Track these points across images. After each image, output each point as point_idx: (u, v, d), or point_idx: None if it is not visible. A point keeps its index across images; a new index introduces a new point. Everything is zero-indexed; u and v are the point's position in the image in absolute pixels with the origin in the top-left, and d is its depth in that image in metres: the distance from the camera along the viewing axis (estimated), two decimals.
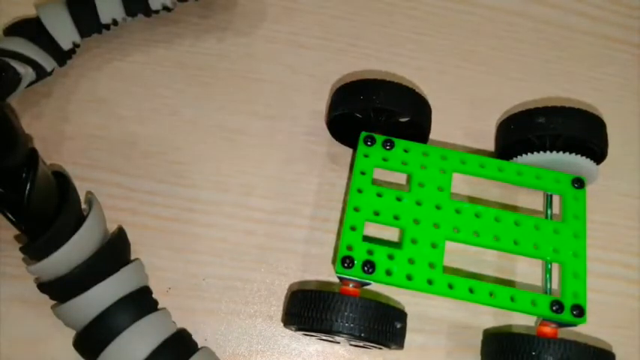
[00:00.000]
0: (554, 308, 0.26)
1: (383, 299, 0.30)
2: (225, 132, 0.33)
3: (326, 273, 0.31)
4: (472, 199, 0.33)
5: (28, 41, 0.31)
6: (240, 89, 0.34)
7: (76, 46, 0.32)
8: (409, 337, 0.28)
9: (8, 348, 0.28)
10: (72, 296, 0.26)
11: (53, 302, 0.27)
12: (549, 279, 0.29)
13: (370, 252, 0.27)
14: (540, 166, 0.29)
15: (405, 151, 0.29)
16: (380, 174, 0.30)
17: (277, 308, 0.30)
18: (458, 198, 0.31)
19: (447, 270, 0.28)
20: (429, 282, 0.26)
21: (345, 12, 0.37)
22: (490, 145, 0.34)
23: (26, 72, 0.29)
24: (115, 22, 0.33)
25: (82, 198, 0.29)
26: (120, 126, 0.32)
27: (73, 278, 0.26)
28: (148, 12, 0.33)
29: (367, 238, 0.27)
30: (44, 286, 0.26)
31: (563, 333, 0.27)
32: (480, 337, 0.30)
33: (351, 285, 0.27)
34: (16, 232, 0.27)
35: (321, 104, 0.34)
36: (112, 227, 0.29)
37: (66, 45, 0.32)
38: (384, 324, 0.26)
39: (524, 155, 0.31)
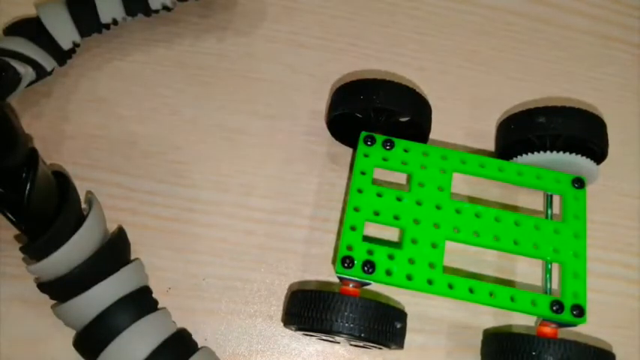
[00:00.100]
0: (554, 308, 0.26)
1: (383, 299, 0.30)
2: (225, 132, 0.33)
3: (326, 273, 0.31)
4: (472, 199, 0.33)
5: (28, 41, 0.31)
6: (240, 89, 0.34)
7: (76, 45, 0.32)
8: (409, 337, 0.28)
9: (8, 348, 0.28)
10: (72, 296, 0.25)
11: (53, 302, 0.27)
12: (549, 279, 0.29)
13: (370, 252, 0.27)
14: (540, 166, 0.29)
15: (405, 151, 0.29)
16: (380, 174, 0.30)
17: (277, 308, 0.30)
18: (458, 198, 0.31)
19: (447, 270, 0.28)
20: (429, 282, 0.26)
21: (345, 12, 0.37)
22: (490, 145, 0.34)
23: (26, 72, 0.29)
24: (115, 22, 0.33)
25: (82, 198, 0.29)
26: (120, 126, 0.32)
27: (73, 278, 0.26)
28: (148, 12, 0.33)
29: (367, 238, 0.27)
30: (44, 286, 0.26)
31: (563, 333, 0.27)
32: (480, 337, 0.30)
33: (351, 285, 0.27)
34: (16, 232, 0.27)
35: (321, 104, 0.34)
36: (112, 227, 0.29)
37: (66, 45, 0.32)
38: (384, 324, 0.26)
39: (524, 155, 0.31)
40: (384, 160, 0.29)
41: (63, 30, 0.31)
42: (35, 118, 0.32)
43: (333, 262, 0.31)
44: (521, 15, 0.38)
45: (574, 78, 0.37)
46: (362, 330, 0.25)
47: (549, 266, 0.29)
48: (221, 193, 0.32)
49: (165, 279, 0.30)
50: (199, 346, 0.28)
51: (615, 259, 0.33)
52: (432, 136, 0.32)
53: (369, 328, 0.25)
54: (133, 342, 0.25)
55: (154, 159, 0.32)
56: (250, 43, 0.35)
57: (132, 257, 0.29)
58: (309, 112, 0.34)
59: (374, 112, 0.30)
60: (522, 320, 0.30)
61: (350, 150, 0.33)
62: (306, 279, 0.31)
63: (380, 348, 0.28)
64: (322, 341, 0.29)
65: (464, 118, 0.35)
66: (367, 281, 0.27)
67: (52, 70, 0.32)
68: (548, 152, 0.30)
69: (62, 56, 0.32)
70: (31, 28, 0.31)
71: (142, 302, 0.27)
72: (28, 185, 0.24)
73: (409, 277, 0.26)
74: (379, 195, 0.28)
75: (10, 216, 0.25)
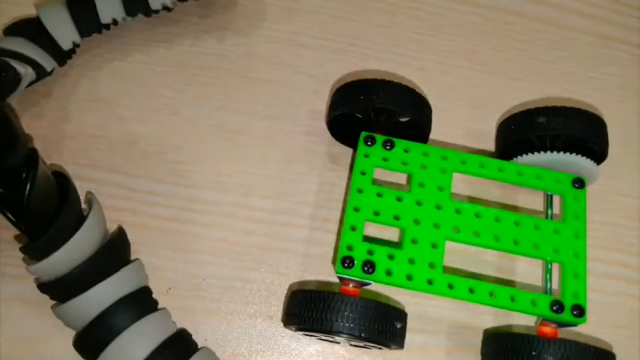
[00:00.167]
0: (554, 308, 0.26)
1: (383, 299, 0.30)
2: (225, 132, 0.33)
3: (326, 273, 0.31)
4: (472, 199, 0.33)
5: (28, 41, 0.31)
6: (240, 89, 0.34)
7: (76, 45, 0.32)
8: (409, 337, 0.28)
9: (8, 348, 0.28)
10: (72, 296, 0.25)
11: (53, 302, 0.27)
12: (549, 279, 0.29)
13: (370, 252, 0.27)
14: (540, 166, 0.29)
15: (405, 151, 0.29)
16: (380, 174, 0.30)
17: (277, 308, 0.30)
18: (458, 198, 0.31)
19: (447, 270, 0.28)
20: (429, 282, 0.26)
21: (345, 12, 0.37)
22: (490, 145, 0.34)
23: (26, 72, 0.29)
24: (115, 22, 0.33)
25: (82, 198, 0.29)
26: (120, 126, 0.32)
27: (73, 278, 0.26)
28: (148, 12, 0.33)
29: (367, 238, 0.27)
30: (44, 286, 0.26)
31: (563, 333, 0.27)
32: (480, 337, 0.30)
33: (351, 285, 0.27)
34: (16, 232, 0.27)
35: (321, 104, 0.34)
36: (112, 227, 0.29)
37: (66, 45, 0.32)
38: (384, 324, 0.26)
39: (524, 155, 0.31)
40: (384, 160, 0.29)
41: (63, 30, 0.31)
42: (35, 118, 0.32)
43: (333, 262, 0.31)
44: (521, 15, 0.38)
45: (574, 78, 0.37)
46: (362, 330, 0.25)
47: (549, 266, 0.29)
48: (221, 193, 0.32)
49: (165, 279, 0.30)
50: (199, 346, 0.28)
51: (615, 259, 0.33)
52: (432, 136, 0.32)
53: (369, 328, 0.25)
54: (133, 342, 0.25)
55: (154, 159, 0.32)
56: (250, 43, 0.35)
57: (132, 257, 0.29)
58: (309, 112, 0.34)
59: (374, 112, 0.30)
60: (522, 320, 0.30)
61: (350, 150, 0.33)
62: (306, 279, 0.31)
63: (380, 348, 0.28)
64: (322, 341, 0.29)
65: (464, 118, 0.35)
66: (367, 281, 0.27)
67: (52, 70, 0.32)
68: (548, 152, 0.30)
69: (62, 56, 0.32)
70: (31, 28, 0.31)
71: (142, 302, 0.27)
72: (28, 185, 0.24)
73: (409, 277, 0.26)
74: (379, 195, 0.28)
75: (10, 216, 0.25)
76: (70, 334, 0.27)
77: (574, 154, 0.30)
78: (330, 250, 0.31)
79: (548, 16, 0.39)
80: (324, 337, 0.28)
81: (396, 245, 0.29)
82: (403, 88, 0.30)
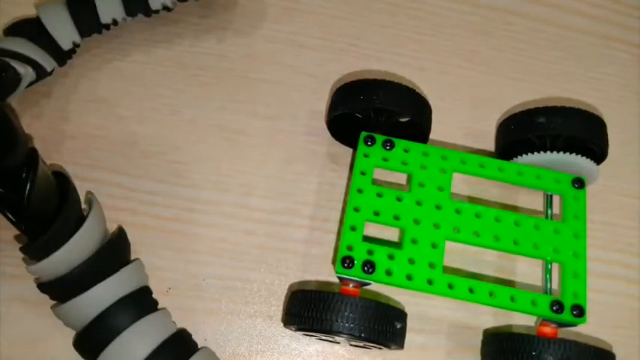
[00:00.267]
0: (554, 308, 0.26)
1: (383, 299, 0.30)
2: (225, 132, 0.33)
3: (326, 273, 0.31)
4: (472, 199, 0.33)
5: (28, 41, 0.31)
6: (240, 89, 0.34)
7: (76, 46, 0.32)
8: (409, 337, 0.28)
9: (8, 348, 0.28)
10: (72, 296, 0.25)
11: (53, 302, 0.27)
12: (549, 279, 0.29)
13: (370, 252, 0.27)
14: (540, 166, 0.29)
15: (405, 151, 0.29)
16: (380, 174, 0.30)
17: (277, 308, 0.30)
18: (458, 198, 0.31)
19: (447, 270, 0.28)
20: (429, 282, 0.26)
21: (345, 12, 0.37)
22: (490, 145, 0.34)
23: (26, 72, 0.29)
24: (115, 22, 0.33)
25: (82, 198, 0.29)
26: (120, 126, 0.32)
27: (73, 278, 0.26)
28: (148, 12, 0.33)
29: (367, 238, 0.27)
30: (44, 286, 0.26)
31: (563, 333, 0.27)
32: (480, 337, 0.30)
33: (351, 285, 0.27)
34: (16, 232, 0.27)
35: (321, 104, 0.34)
36: (112, 227, 0.29)
37: (66, 45, 0.32)
38: (384, 324, 0.26)
39: (524, 155, 0.31)
40: (384, 160, 0.29)
41: (63, 30, 0.31)
42: (35, 118, 0.32)
43: (333, 262, 0.31)
44: (521, 15, 0.38)
45: (574, 78, 0.37)
46: (362, 330, 0.25)
47: (549, 266, 0.29)
48: (221, 193, 0.32)
49: (165, 279, 0.30)
50: (199, 346, 0.28)
51: (615, 259, 0.33)
52: (432, 136, 0.32)
53: (369, 328, 0.25)
54: (133, 342, 0.25)
55: (154, 159, 0.32)
56: (250, 44, 0.35)
57: (132, 257, 0.29)
58: (309, 112, 0.34)
59: (374, 112, 0.30)
60: (522, 320, 0.30)
61: (350, 150, 0.33)
62: (306, 279, 0.31)
63: (380, 348, 0.28)
64: (322, 341, 0.29)
65: (464, 118, 0.35)
66: (367, 281, 0.27)
67: (52, 71, 0.32)
68: (548, 152, 0.30)
69: (62, 56, 0.32)
70: (31, 29, 0.31)
71: (142, 302, 0.27)
72: (28, 185, 0.24)
73: (409, 277, 0.26)
74: (379, 195, 0.28)
75: (10, 216, 0.25)
76: (70, 334, 0.27)
77: (574, 154, 0.30)
78: (330, 250, 0.31)
79: (548, 16, 0.39)
80: (324, 337, 0.28)
81: (396, 245, 0.29)
82: (403, 88, 0.30)
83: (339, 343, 0.29)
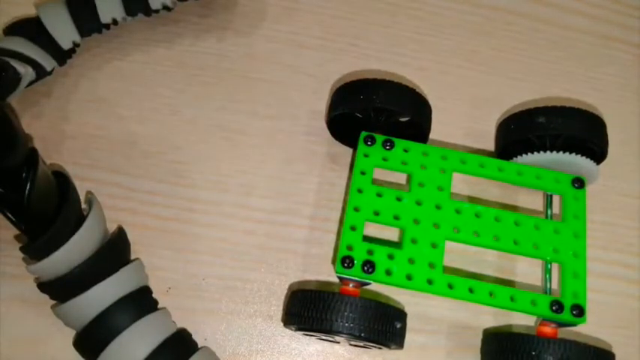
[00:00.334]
0: (554, 308, 0.26)
1: (383, 299, 0.30)
2: (225, 132, 0.33)
3: (326, 273, 0.31)
4: (472, 199, 0.33)
5: (28, 41, 0.31)
6: (240, 89, 0.34)
7: (76, 45, 0.32)
8: (409, 337, 0.28)
9: (8, 348, 0.28)
10: (72, 296, 0.25)
11: (53, 302, 0.27)
12: (549, 279, 0.29)
13: (370, 252, 0.27)
14: (540, 166, 0.29)
15: (405, 150, 0.29)
16: (380, 174, 0.30)
17: (277, 308, 0.30)
18: (458, 198, 0.31)
19: (447, 270, 0.28)
20: (429, 282, 0.26)
21: (345, 12, 0.37)
22: (490, 145, 0.34)
23: (26, 71, 0.29)
24: (115, 22, 0.33)
25: (82, 198, 0.29)
26: (120, 126, 0.32)
27: (73, 278, 0.26)
28: (148, 11, 0.33)
29: (367, 238, 0.27)
30: (44, 286, 0.26)
31: (563, 333, 0.27)
32: (480, 337, 0.30)
33: (351, 285, 0.27)
34: (16, 232, 0.27)
35: (321, 104, 0.34)
36: (112, 227, 0.29)
37: (66, 44, 0.32)
38: (384, 324, 0.26)
39: (524, 155, 0.31)
40: (384, 160, 0.29)
41: (63, 30, 0.31)
42: (35, 118, 0.32)
43: (333, 262, 0.31)
44: (521, 15, 0.38)
45: (574, 78, 0.37)
46: (362, 330, 0.25)
47: (549, 266, 0.29)
48: (221, 193, 0.32)
49: (165, 279, 0.30)
50: (199, 346, 0.28)
51: (615, 259, 0.33)
52: (432, 136, 0.32)
53: (369, 328, 0.25)
54: (133, 342, 0.25)
55: (154, 159, 0.32)
56: (250, 43, 0.35)
57: (132, 257, 0.29)
58: (309, 112, 0.34)
59: (374, 112, 0.30)
60: (522, 320, 0.30)
61: (350, 150, 0.33)
62: (306, 279, 0.31)
63: (380, 348, 0.28)
64: (322, 341, 0.29)
65: (464, 118, 0.35)
66: (367, 281, 0.27)
67: (52, 70, 0.32)
68: (548, 152, 0.30)
69: (62, 56, 0.32)
70: (31, 28, 0.31)
71: (141, 302, 0.27)
72: (28, 185, 0.24)
73: (409, 277, 0.26)
74: (379, 195, 0.28)
75: (10, 216, 0.25)
76: (70, 334, 0.27)
77: (574, 154, 0.30)
78: (330, 250, 0.31)
79: (548, 16, 0.39)
80: (324, 337, 0.28)
81: (396, 245, 0.29)
82: (403, 88, 0.30)
83: (339, 343, 0.29)
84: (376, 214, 0.28)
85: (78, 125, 0.32)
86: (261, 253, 0.31)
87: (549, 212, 0.30)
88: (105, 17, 0.32)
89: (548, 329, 0.27)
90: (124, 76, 0.34)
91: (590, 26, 0.39)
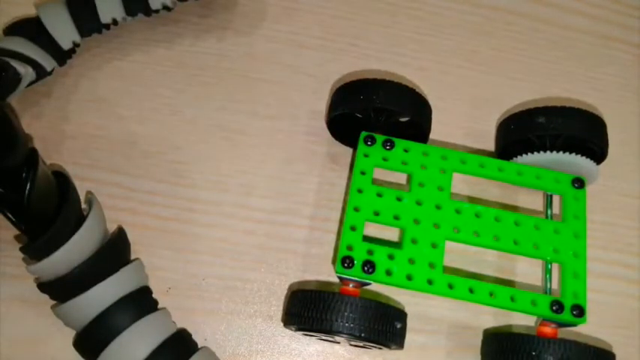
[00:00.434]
0: (554, 308, 0.26)
1: (383, 299, 0.30)
2: (225, 132, 0.33)
3: (326, 273, 0.31)
4: (472, 199, 0.33)
5: (28, 41, 0.31)
6: (240, 89, 0.34)
7: (76, 45, 0.32)
8: (409, 337, 0.28)
9: (8, 348, 0.28)
10: (72, 296, 0.25)
11: (53, 302, 0.27)
12: (549, 279, 0.29)
13: (370, 252, 0.27)
14: (540, 166, 0.29)
15: (405, 150, 0.29)
16: (380, 174, 0.30)
17: (277, 308, 0.30)
18: (458, 198, 0.31)
19: (447, 270, 0.28)
20: (429, 282, 0.26)
21: (345, 12, 0.37)
22: (490, 145, 0.34)
23: (26, 72, 0.29)
24: (115, 22, 0.33)
25: (82, 198, 0.29)
26: (120, 126, 0.32)
27: (73, 278, 0.26)
28: (148, 12, 0.33)
29: (367, 238, 0.27)
30: (44, 286, 0.26)
31: (563, 333, 0.27)
32: (480, 337, 0.30)
33: (351, 285, 0.27)
34: (16, 232, 0.27)
35: (321, 104, 0.34)
36: (112, 227, 0.29)
37: (66, 45, 0.32)
38: (384, 324, 0.26)
39: (524, 155, 0.31)
40: (384, 160, 0.29)
41: (63, 30, 0.31)
42: (35, 118, 0.32)
43: (333, 262, 0.31)
44: (521, 15, 0.38)
45: (574, 78, 0.37)
46: (362, 330, 0.25)
47: (549, 266, 0.29)
48: (221, 193, 0.32)
49: (165, 279, 0.30)
50: (199, 346, 0.28)
51: (615, 259, 0.33)
52: (432, 136, 0.32)
53: (369, 328, 0.25)
54: (133, 342, 0.25)
55: (154, 159, 0.32)
56: (250, 43, 0.35)
57: (132, 257, 0.29)
58: (309, 112, 0.34)
59: (374, 112, 0.30)
60: (522, 320, 0.30)
61: (350, 150, 0.33)
62: (306, 279, 0.31)
63: (380, 348, 0.28)
64: (322, 341, 0.29)
65: (464, 118, 0.35)
66: (367, 281, 0.27)
67: (52, 70, 0.32)
68: (548, 152, 0.30)
69: (62, 56, 0.32)
70: (31, 28, 0.31)
71: (141, 302, 0.27)
72: (28, 185, 0.24)
73: (409, 277, 0.26)
74: (379, 195, 0.28)
75: (10, 216, 0.25)
76: (70, 334, 0.27)
77: (574, 154, 0.30)
78: (330, 250, 0.31)
79: (548, 16, 0.39)
80: (324, 337, 0.28)
81: (396, 245, 0.29)
82: (403, 88, 0.30)
83: (339, 343, 0.29)
84: (376, 214, 0.28)
85: (78, 125, 0.32)
86: (261, 253, 0.31)
87: (549, 212, 0.30)
88: (105, 17, 0.32)
89: (548, 329, 0.27)
90: (124, 76, 0.34)
91: (590, 26, 0.39)
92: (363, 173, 0.28)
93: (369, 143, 0.29)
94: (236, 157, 0.33)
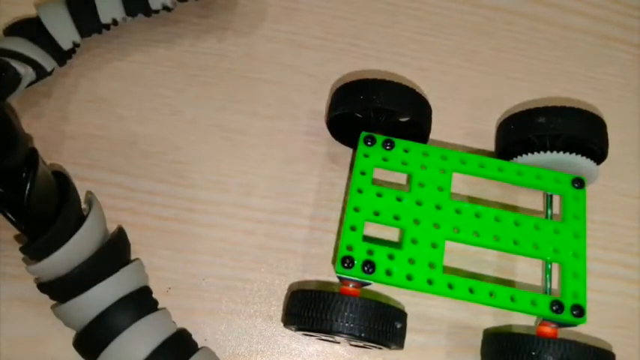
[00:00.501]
0: (554, 308, 0.26)
1: (383, 299, 0.30)
2: (225, 132, 0.33)
3: (326, 273, 0.31)
4: (472, 199, 0.33)
5: (28, 41, 0.31)
6: (240, 89, 0.34)
7: (76, 45, 0.32)
8: (409, 337, 0.28)
9: (8, 348, 0.28)
10: (72, 296, 0.25)
11: (53, 302, 0.27)
12: (549, 279, 0.29)
13: (370, 252, 0.27)
14: (540, 166, 0.29)
15: (405, 151, 0.29)
16: (380, 174, 0.30)
17: (277, 308, 0.30)
18: (458, 198, 0.31)
19: (447, 270, 0.28)
20: (429, 282, 0.26)
21: (345, 12, 0.37)
22: (490, 145, 0.34)
23: (26, 72, 0.29)
24: (115, 22, 0.33)
25: (82, 198, 0.29)
26: (120, 126, 0.32)
27: (73, 278, 0.26)
28: (148, 12, 0.33)
29: (367, 238, 0.27)
30: (44, 286, 0.26)
31: (563, 333, 0.27)
32: (480, 337, 0.30)
33: (351, 285, 0.27)
34: (16, 232, 0.27)
35: (321, 104, 0.34)
36: (112, 227, 0.29)
37: (66, 45, 0.32)
38: (384, 324, 0.26)
39: (524, 155, 0.31)
40: (384, 160, 0.29)
41: (63, 30, 0.31)
42: (35, 118, 0.32)
43: (333, 262, 0.31)
44: (521, 15, 0.38)
45: (574, 78, 0.37)
46: (362, 330, 0.25)
47: (549, 266, 0.29)
48: (221, 193, 0.32)
49: (165, 279, 0.30)
50: (199, 346, 0.28)
51: (615, 259, 0.33)
52: (432, 136, 0.32)
53: (369, 328, 0.25)
54: (133, 342, 0.25)
55: (154, 159, 0.32)
56: (250, 43, 0.35)
57: (132, 257, 0.29)
58: (309, 112, 0.34)
59: (374, 112, 0.30)
60: (522, 320, 0.30)
61: (350, 150, 0.33)
62: (306, 279, 0.31)
63: (380, 348, 0.28)
64: (322, 341, 0.29)
65: (464, 118, 0.35)
66: (367, 281, 0.27)
67: (52, 70, 0.32)
68: (548, 152, 0.30)
69: (62, 56, 0.32)
70: (31, 28, 0.31)
71: (141, 302, 0.27)
72: (28, 185, 0.24)
73: (409, 277, 0.26)
74: (379, 195, 0.28)
75: (10, 216, 0.25)
76: (70, 334, 0.27)
77: (574, 154, 0.30)
78: (330, 250, 0.31)
79: (548, 16, 0.39)
80: (324, 337, 0.28)
81: (396, 245, 0.29)
82: (403, 88, 0.30)
83: (339, 343, 0.29)
84: (376, 214, 0.28)
85: (78, 125, 0.32)
86: (261, 253, 0.31)
87: (549, 212, 0.30)
88: (105, 17, 0.32)
89: (548, 329, 0.27)
90: (124, 76, 0.34)
91: (590, 26, 0.39)
92: (363, 173, 0.28)
93: (369, 143, 0.29)
94: (236, 157, 0.33)
